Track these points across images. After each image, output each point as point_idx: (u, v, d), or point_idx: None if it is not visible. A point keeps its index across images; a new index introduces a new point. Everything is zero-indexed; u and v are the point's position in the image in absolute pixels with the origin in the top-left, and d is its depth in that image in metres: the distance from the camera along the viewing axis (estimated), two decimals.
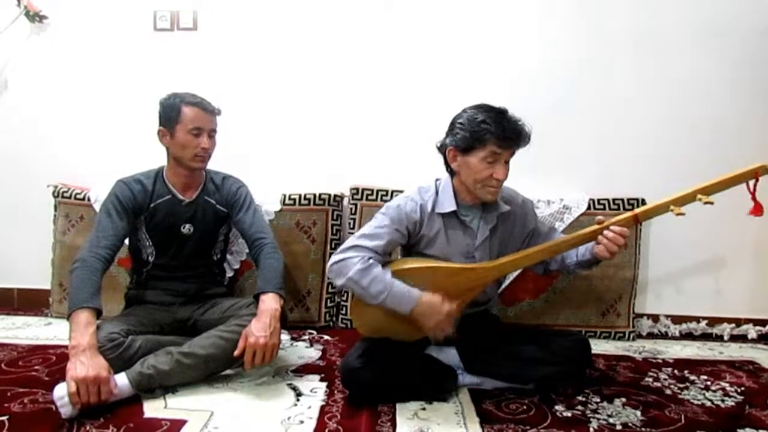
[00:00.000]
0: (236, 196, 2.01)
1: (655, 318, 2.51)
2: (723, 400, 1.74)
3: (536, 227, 1.83)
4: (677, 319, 2.49)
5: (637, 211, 1.65)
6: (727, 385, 1.87)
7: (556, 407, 1.64)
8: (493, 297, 1.94)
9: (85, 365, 1.51)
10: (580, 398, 1.71)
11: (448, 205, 1.70)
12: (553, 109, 2.43)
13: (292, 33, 2.52)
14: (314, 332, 2.35)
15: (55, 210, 2.53)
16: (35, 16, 2.54)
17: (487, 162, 1.59)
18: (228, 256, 2.31)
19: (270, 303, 1.75)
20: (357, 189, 2.45)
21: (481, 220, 1.73)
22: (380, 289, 1.57)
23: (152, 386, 1.64)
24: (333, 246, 2.42)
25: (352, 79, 2.52)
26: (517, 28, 2.46)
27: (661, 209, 1.61)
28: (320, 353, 2.09)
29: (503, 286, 2.31)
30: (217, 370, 1.77)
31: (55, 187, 2.52)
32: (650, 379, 1.90)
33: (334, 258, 1.65)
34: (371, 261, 1.61)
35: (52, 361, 1.93)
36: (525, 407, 1.64)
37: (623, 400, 1.71)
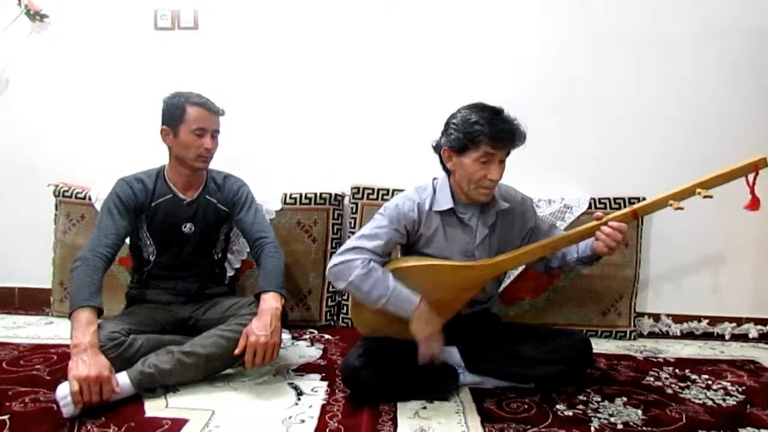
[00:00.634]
0: (237, 196, 2.01)
1: (656, 317, 2.51)
2: (724, 400, 1.74)
3: (536, 225, 1.83)
4: (678, 318, 2.49)
5: (636, 206, 1.64)
6: (729, 384, 1.87)
7: (557, 406, 1.64)
8: (493, 296, 1.94)
9: (87, 364, 1.51)
10: (581, 397, 1.71)
11: (445, 203, 1.70)
12: (554, 108, 2.43)
13: (292, 32, 2.52)
14: (315, 331, 2.36)
15: (56, 209, 2.53)
16: (36, 15, 2.54)
17: (481, 162, 1.58)
18: (229, 256, 2.31)
19: (271, 302, 1.75)
20: (358, 188, 2.45)
21: (480, 218, 1.73)
22: (381, 293, 1.58)
23: (153, 385, 1.64)
24: (334, 245, 2.42)
25: (352, 79, 2.52)
26: (518, 27, 2.45)
27: (660, 204, 1.60)
28: (321, 352, 2.10)
29: (504, 285, 2.31)
30: (218, 370, 1.77)
31: (56, 186, 2.52)
32: (651, 379, 1.90)
33: (335, 260, 1.65)
34: (372, 264, 1.61)
35: (53, 360, 1.94)
36: (526, 406, 1.64)
37: (624, 399, 1.71)
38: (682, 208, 1.55)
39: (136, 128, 2.49)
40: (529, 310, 2.39)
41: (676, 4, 2.40)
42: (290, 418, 1.54)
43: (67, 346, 1.60)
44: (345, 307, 2.44)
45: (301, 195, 2.43)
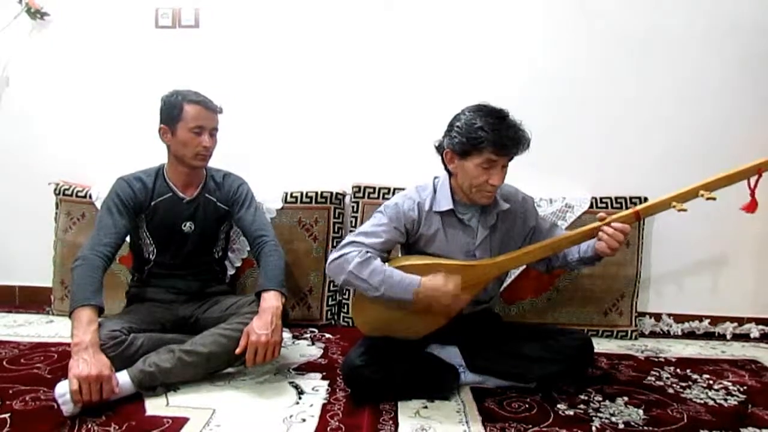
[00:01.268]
0: (237, 194, 2.01)
1: (657, 317, 2.50)
2: (726, 399, 1.74)
3: (537, 224, 1.83)
4: (679, 318, 2.48)
5: (638, 207, 1.64)
6: (730, 384, 1.86)
7: (559, 406, 1.64)
8: (494, 295, 1.94)
9: (88, 363, 1.51)
10: (582, 397, 1.71)
11: (445, 203, 1.69)
12: (556, 107, 2.42)
13: (293, 31, 2.51)
14: (316, 330, 2.35)
15: (57, 208, 2.53)
16: (36, 13, 2.54)
17: (483, 168, 1.57)
18: (229, 254, 2.31)
19: (271, 301, 1.75)
20: (359, 187, 2.44)
21: (480, 218, 1.72)
22: (380, 279, 1.57)
23: (154, 384, 1.64)
24: (335, 244, 2.42)
25: (353, 78, 2.51)
26: (520, 26, 2.45)
27: (663, 205, 1.61)
28: (322, 351, 2.09)
29: (505, 284, 2.31)
30: (218, 368, 1.76)
31: (57, 184, 2.52)
32: (652, 378, 1.90)
33: (332, 255, 1.65)
34: (369, 254, 1.60)
35: (54, 358, 1.93)
36: (527, 406, 1.63)
37: (625, 398, 1.71)
38: (685, 210, 1.55)
39: (136, 127, 2.48)
40: (531, 309, 2.39)
41: (678, 4, 2.39)
42: (291, 417, 1.54)
43: (68, 344, 1.60)
44: (346, 306, 2.44)
45: (302, 194, 2.43)
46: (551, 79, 2.44)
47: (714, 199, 1.53)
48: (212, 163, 1.97)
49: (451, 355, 1.79)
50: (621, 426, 1.53)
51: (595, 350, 1.83)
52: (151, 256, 1.94)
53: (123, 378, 1.58)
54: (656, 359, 2.11)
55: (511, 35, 2.45)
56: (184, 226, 1.93)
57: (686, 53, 2.41)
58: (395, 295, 1.58)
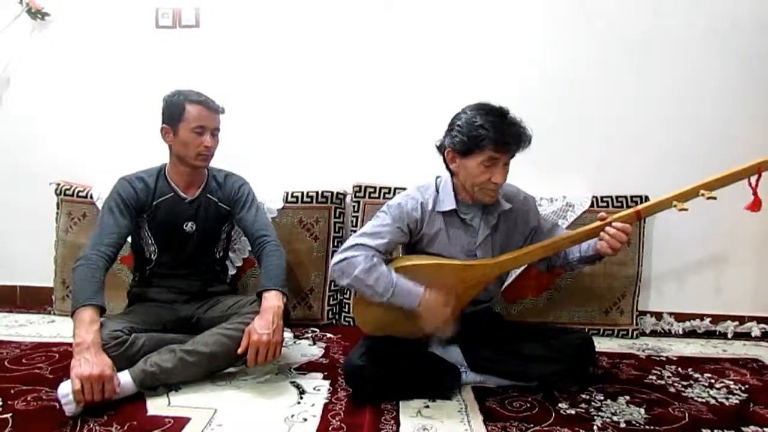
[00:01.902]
0: (238, 194, 2.01)
1: (658, 315, 2.50)
2: (727, 398, 1.74)
3: (539, 224, 1.83)
4: (681, 317, 2.48)
5: (639, 207, 1.65)
6: (731, 382, 1.86)
7: (560, 405, 1.64)
8: (495, 295, 1.94)
9: (89, 363, 1.51)
10: (583, 396, 1.71)
11: (448, 203, 1.69)
12: (557, 106, 2.42)
13: (294, 31, 2.51)
14: (317, 330, 2.36)
15: (58, 208, 2.53)
16: (37, 14, 2.54)
17: (485, 166, 1.57)
18: (230, 254, 2.31)
19: (273, 300, 1.75)
20: (360, 186, 2.44)
21: (482, 218, 1.72)
22: (386, 286, 1.56)
23: (155, 384, 1.64)
24: (336, 244, 2.42)
25: (354, 77, 2.51)
26: (520, 26, 2.45)
27: (664, 205, 1.61)
28: (323, 351, 2.09)
29: (506, 283, 2.31)
30: (220, 368, 1.77)
31: (58, 184, 2.52)
32: (654, 377, 1.90)
33: (337, 257, 1.64)
34: (375, 259, 1.60)
35: (56, 358, 1.94)
36: (529, 405, 1.63)
37: (627, 397, 1.71)
38: (686, 209, 1.55)
39: (137, 127, 2.48)
40: (532, 308, 2.39)
41: (678, 3, 2.39)
42: (292, 416, 1.54)
43: (69, 344, 1.60)
44: (347, 306, 2.44)
45: (302, 193, 2.43)
46: (552, 78, 2.44)
47: (715, 198, 1.53)
48: (213, 163, 1.97)
49: (453, 354, 1.79)
50: (622, 425, 1.53)
51: (597, 349, 1.83)
52: (152, 256, 1.95)
53: (125, 378, 1.59)
54: (657, 358, 2.11)
55: (512, 35, 2.45)
56: (186, 226, 1.93)
57: (686, 53, 2.41)
58: (399, 303, 1.58)
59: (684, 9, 2.39)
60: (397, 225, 1.67)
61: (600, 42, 2.43)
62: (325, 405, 1.61)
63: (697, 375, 1.93)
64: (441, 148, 1.69)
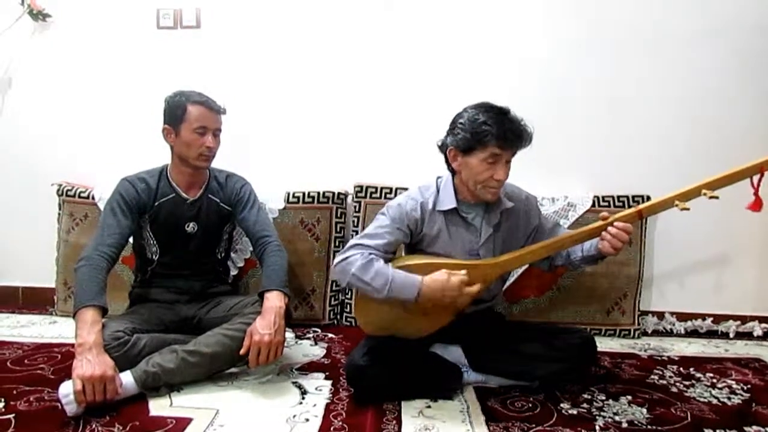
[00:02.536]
0: (240, 194, 2.01)
1: (660, 315, 2.50)
2: (729, 398, 1.74)
3: (540, 223, 1.83)
4: (682, 317, 2.48)
5: (641, 206, 1.64)
6: (733, 382, 1.86)
7: (562, 405, 1.64)
8: (497, 294, 1.94)
9: (91, 363, 1.51)
10: (585, 396, 1.71)
11: (448, 202, 1.69)
12: (557, 106, 2.42)
13: (294, 31, 2.51)
14: (318, 330, 2.36)
15: (60, 208, 2.53)
16: (38, 15, 2.54)
17: (488, 163, 1.58)
18: (232, 254, 2.31)
19: (274, 301, 1.75)
20: (361, 187, 2.44)
21: (484, 217, 1.72)
22: (383, 281, 1.56)
23: (157, 384, 1.64)
24: (337, 244, 2.42)
25: (355, 77, 2.51)
26: (521, 25, 2.44)
27: (666, 204, 1.61)
28: (325, 351, 2.09)
29: (508, 283, 2.31)
30: (222, 369, 1.77)
31: (60, 185, 2.53)
32: (656, 377, 1.90)
33: (337, 259, 1.64)
34: (372, 256, 1.60)
35: (58, 359, 1.94)
36: (530, 405, 1.63)
37: (629, 397, 1.71)
38: (688, 209, 1.55)
39: (139, 128, 2.49)
40: (533, 308, 2.39)
41: (678, 3, 2.39)
42: (294, 417, 1.54)
43: (71, 345, 1.60)
44: (348, 306, 2.44)
45: (304, 194, 2.43)
46: (553, 78, 2.44)
47: (716, 197, 1.53)
48: (215, 164, 1.98)
49: (454, 354, 1.79)
50: (624, 425, 1.53)
51: (598, 349, 1.82)
52: (154, 256, 1.95)
53: (126, 378, 1.59)
54: (659, 358, 2.11)
55: (513, 34, 2.45)
56: (187, 226, 1.93)
57: (688, 52, 2.40)
58: (399, 295, 1.57)
59: (684, 9, 2.39)
60: (397, 225, 1.67)
61: (602, 41, 2.42)
62: (327, 405, 1.62)
63: (699, 375, 1.93)
64: (443, 147, 1.69)
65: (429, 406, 1.62)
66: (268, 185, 2.33)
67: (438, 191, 1.72)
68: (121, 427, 1.45)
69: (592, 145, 2.46)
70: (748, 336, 2.43)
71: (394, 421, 1.52)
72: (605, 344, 2.22)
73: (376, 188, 2.42)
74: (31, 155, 2.63)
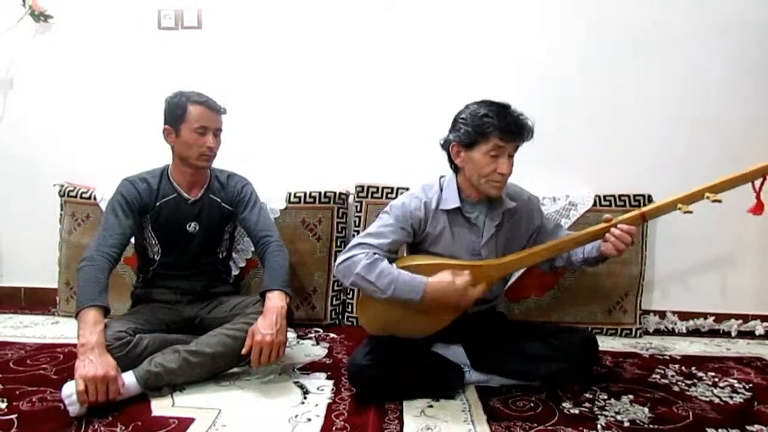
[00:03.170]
0: (241, 194, 2.01)
1: (661, 314, 2.50)
2: (731, 397, 1.74)
3: (542, 224, 1.83)
4: (684, 316, 2.48)
5: (644, 209, 1.65)
6: (735, 381, 1.86)
7: (564, 404, 1.64)
8: (499, 294, 1.94)
9: (94, 363, 1.51)
10: (587, 395, 1.71)
11: (452, 201, 1.69)
12: (559, 106, 2.42)
13: (295, 32, 2.52)
14: (320, 330, 2.36)
15: (62, 209, 2.54)
16: (40, 16, 2.55)
17: (491, 156, 1.59)
18: (233, 254, 2.31)
19: (276, 301, 1.75)
20: (362, 187, 2.45)
21: (487, 217, 1.72)
22: (388, 281, 1.56)
23: (160, 384, 1.64)
24: (338, 244, 2.43)
25: (355, 78, 2.52)
26: (521, 25, 2.45)
27: (669, 207, 1.61)
28: (326, 351, 2.10)
29: (509, 283, 2.30)
30: (224, 368, 1.77)
31: (61, 186, 2.53)
32: (657, 376, 1.90)
33: (340, 258, 1.64)
34: (376, 256, 1.60)
35: (60, 359, 1.94)
36: (532, 404, 1.63)
37: (631, 397, 1.70)
38: (691, 212, 1.55)
39: (140, 128, 2.49)
40: (535, 308, 2.39)
41: (679, 2, 2.39)
42: (296, 416, 1.54)
43: (74, 345, 1.60)
44: (350, 306, 2.44)
45: (305, 194, 2.43)
46: (553, 78, 2.44)
47: (719, 201, 1.54)
48: (216, 164, 1.98)
49: (456, 354, 1.79)
50: (626, 424, 1.53)
51: (600, 348, 1.83)
52: (155, 256, 1.95)
53: (129, 378, 1.59)
54: (661, 357, 2.11)
55: (514, 34, 2.46)
56: (189, 226, 1.93)
57: (689, 51, 2.40)
58: (403, 296, 1.57)
59: (684, 9, 2.39)
60: (401, 225, 1.67)
61: (603, 40, 2.43)
62: (329, 405, 1.62)
63: (700, 374, 1.93)
64: (445, 144, 1.70)
65: (431, 406, 1.62)
66: (269, 185, 2.33)
67: (441, 190, 1.72)
68: (123, 428, 1.45)
69: (593, 145, 2.47)
70: (750, 335, 2.43)
71: (396, 421, 1.52)
72: (607, 343, 2.22)
73: (378, 188, 2.43)
74: (33, 156, 2.63)
